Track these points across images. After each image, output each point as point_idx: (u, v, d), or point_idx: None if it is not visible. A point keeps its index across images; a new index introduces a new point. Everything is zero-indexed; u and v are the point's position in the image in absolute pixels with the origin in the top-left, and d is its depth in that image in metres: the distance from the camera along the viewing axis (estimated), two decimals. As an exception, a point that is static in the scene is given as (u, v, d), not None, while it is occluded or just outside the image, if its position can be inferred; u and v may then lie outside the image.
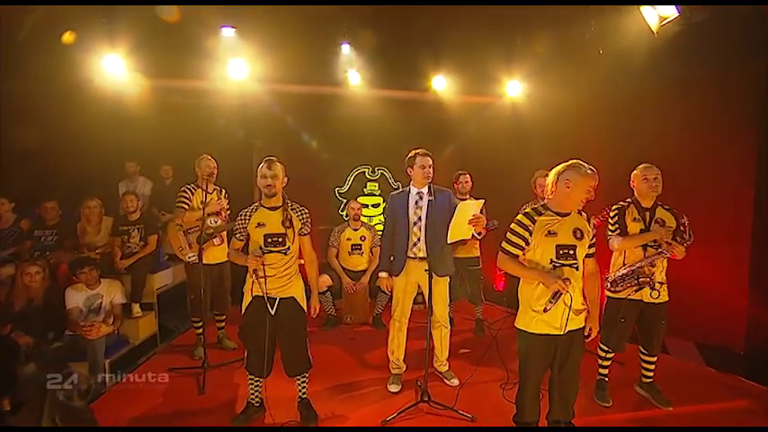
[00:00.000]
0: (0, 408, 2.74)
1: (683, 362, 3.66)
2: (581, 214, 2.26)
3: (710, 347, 3.83)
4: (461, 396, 3.00)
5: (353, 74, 5.01)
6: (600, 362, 3.03)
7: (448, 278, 3.14)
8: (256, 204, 2.61)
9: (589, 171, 2.16)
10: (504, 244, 2.25)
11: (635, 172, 2.89)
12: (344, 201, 5.77)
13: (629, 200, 2.91)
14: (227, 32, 4.45)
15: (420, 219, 3.00)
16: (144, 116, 4.81)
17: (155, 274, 4.16)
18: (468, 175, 4.21)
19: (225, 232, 3.66)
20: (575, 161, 2.20)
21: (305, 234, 2.66)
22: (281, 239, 2.53)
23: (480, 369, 3.39)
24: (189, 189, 3.61)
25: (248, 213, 2.57)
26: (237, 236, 2.59)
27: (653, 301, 2.83)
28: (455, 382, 3.24)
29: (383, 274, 3.17)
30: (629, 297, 2.81)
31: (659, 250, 2.77)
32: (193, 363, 3.53)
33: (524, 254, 2.23)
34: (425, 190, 2.97)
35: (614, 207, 2.90)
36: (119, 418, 2.83)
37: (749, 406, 2.97)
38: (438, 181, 3.06)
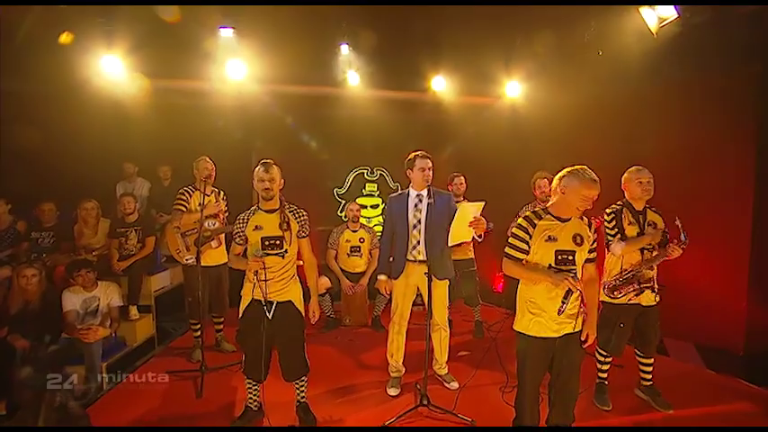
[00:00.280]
0: (-4, 412, 2.73)
1: (683, 364, 3.65)
2: (582, 219, 2.24)
3: (710, 349, 3.82)
4: (461, 399, 2.98)
5: (352, 74, 5.00)
6: (599, 366, 3.02)
7: (447, 281, 3.12)
8: (254, 207, 2.59)
9: (589, 179, 2.08)
10: (507, 249, 2.23)
11: (626, 175, 2.87)
12: (343, 202, 5.77)
13: (620, 203, 2.89)
14: (226, 33, 4.43)
15: (420, 221, 2.98)
16: (142, 117, 4.79)
17: (152, 276, 4.14)
18: (462, 177, 4.20)
19: (223, 235, 3.64)
20: (580, 167, 2.14)
21: (303, 237, 2.64)
22: (278, 242, 2.51)
23: (479, 372, 3.38)
24: (187, 191, 3.59)
25: (246, 217, 2.55)
26: (237, 240, 2.57)
27: (651, 303, 2.82)
28: (454, 385, 3.23)
29: (382, 277, 3.15)
30: (630, 302, 2.80)
31: (655, 253, 2.76)
32: (191, 366, 3.51)
33: (527, 257, 2.21)
34: (425, 192, 2.95)
35: (609, 211, 2.86)
36: (115, 422, 2.81)
37: (750, 409, 2.96)
38: (436, 182, 3.04)
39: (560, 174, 2.19)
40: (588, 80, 4.49)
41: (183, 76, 4.71)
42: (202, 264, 3.30)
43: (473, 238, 2.82)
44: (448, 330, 3.22)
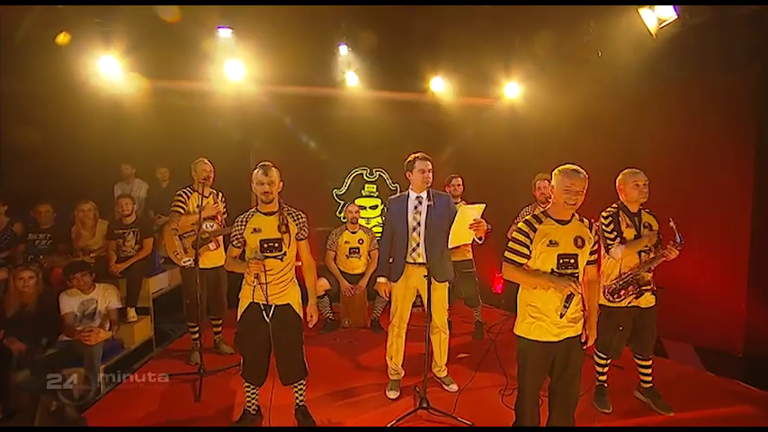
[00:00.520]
0: (-7, 415, 2.70)
1: (683, 366, 3.64)
2: (582, 221, 2.23)
3: (709, 351, 3.82)
4: (460, 402, 2.97)
5: (351, 75, 4.98)
6: (598, 368, 3.01)
7: (447, 284, 3.10)
8: (252, 210, 2.57)
9: (570, 170, 2.11)
10: (507, 254, 2.22)
11: (621, 177, 2.85)
12: (342, 202, 5.75)
13: (615, 205, 2.88)
14: (224, 33, 4.41)
15: (419, 224, 2.96)
16: (140, 118, 4.77)
17: (150, 278, 4.12)
18: (459, 179, 4.19)
19: (221, 236, 3.62)
20: (565, 165, 2.17)
21: (302, 239, 2.62)
22: (277, 245, 2.49)
23: (479, 374, 3.37)
24: (185, 193, 3.57)
25: (244, 219, 2.53)
26: (234, 243, 2.55)
27: (650, 305, 2.82)
28: (454, 387, 3.22)
29: (382, 279, 3.14)
30: (629, 305, 2.79)
31: (653, 255, 2.76)
32: (189, 368, 3.49)
33: (527, 262, 2.20)
34: (425, 194, 2.94)
35: (605, 215, 2.84)
36: (112, 425, 2.79)
37: (750, 411, 2.95)
38: (435, 183, 3.03)
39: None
40: (587, 81, 4.49)
41: (182, 77, 4.68)
42: (200, 266, 3.29)
43: (473, 240, 2.80)
44: (447, 333, 3.21)
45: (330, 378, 3.38)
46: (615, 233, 2.80)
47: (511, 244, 2.21)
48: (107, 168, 5.04)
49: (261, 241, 2.48)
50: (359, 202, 5.62)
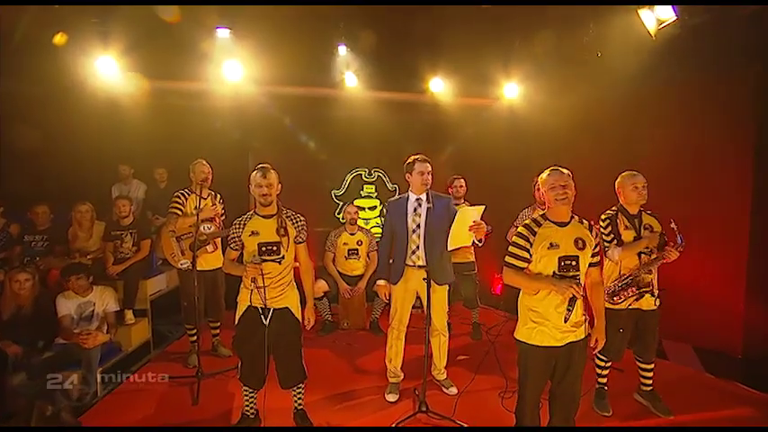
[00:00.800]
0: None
1: (682, 368, 3.64)
2: (582, 223, 2.22)
3: (708, 352, 3.83)
4: (459, 405, 2.96)
5: (350, 76, 4.97)
6: (598, 371, 3.00)
7: (447, 286, 3.09)
8: (250, 213, 2.55)
9: (553, 168, 2.17)
10: (507, 258, 2.20)
11: (620, 180, 2.85)
12: (341, 203, 5.74)
13: (614, 208, 2.88)
14: (223, 33, 4.39)
15: (419, 226, 2.94)
16: (138, 118, 4.75)
17: (148, 280, 4.09)
18: (462, 180, 4.18)
19: (219, 239, 3.60)
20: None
21: (300, 242, 2.60)
22: (275, 248, 2.47)
23: (478, 377, 3.35)
24: (182, 194, 3.55)
25: (242, 222, 2.51)
26: (232, 246, 2.53)
27: (651, 308, 2.80)
28: (453, 390, 3.20)
29: (381, 282, 3.12)
30: (630, 307, 2.78)
31: (653, 256, 2.75)
32: (187, 371, 3.48)
33: (528, 266, 2.19)
34: (424, 197, 2.92)
35: (604, 217, 2.85)
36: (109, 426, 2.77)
37: (749, 414, 2.95)
38: (434, 184, 3.01)
39: None
40: (587, 82, 4.48)
41: (180, 78, 4.66)
42: (198, 268, 3.26)
43: (473, 242, 2.78)
44: (447, 335, 3.19)
45: (329, 381, 3.36)
46: (612, 235, 2.80)
47: (511, 248, 2.20)
48: (104, 169, 5.00)
49: (259, 244, 2.46)
50: (357, 202, 5.61)
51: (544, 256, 2.12)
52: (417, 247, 2.96)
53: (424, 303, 2.87)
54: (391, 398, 3.12)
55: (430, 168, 2.95)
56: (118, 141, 4.91)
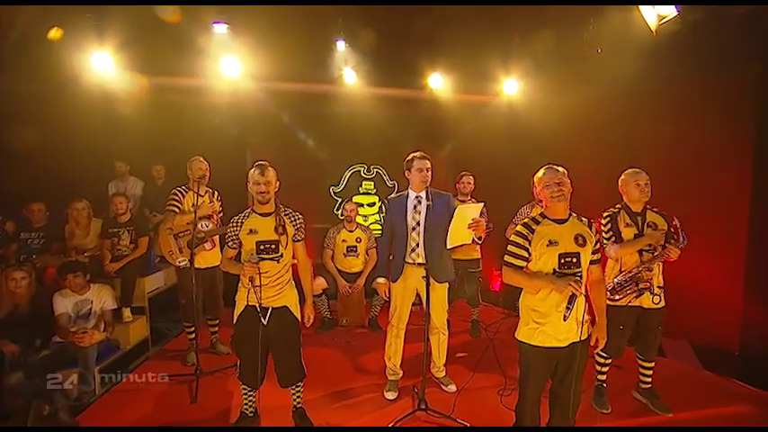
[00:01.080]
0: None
1: (680, 365, 3.64)
2: (581, 220, 2.20)
3: (706, 348, 3.84)
4: (459, 402, 2.96)
5: (349, 71, 4.93)
6: (598, 368, 3.00)
7: (447, 284, 3.07)
8: (248, 210, 2.53)
9: (544, 168, 2.18)
10: (506, 257, 2.19)
11: (623, 177, 2.84)
12: (339, 200, 5.72)
13: (618, 206, 2.87)
14: (220, 29, 4.34)
15: (419, 224, 2.93)
16: (134, 114, 4.70)
17: (146, 278, 4.07)
18: (471, 177, 4.17)
19: (217, 236, 3.58)
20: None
21: (299, 240, 2.58)
22: (273, 246, 2.45)
23: (477, 374, 3.35)
24: (180, 192, 3.52)
25: (240, 220, 2.49)
26: (230, 244, 2.51)
27: (652, 306, 2.79)
28: (452, 388, 3.20)
29: (381, 280, 3.11)
30: (630, 304, 2.78)
31: (655, 254, 2.73)
32: (186, 369, 3.46)
33: (527, 265, 2.18)
34: (424, 194, 2.90)
35: (605, 214, 2.85)
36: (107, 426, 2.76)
37: (748, 411, 2.95)
38: (434, 180, 2.99)
39: None
40: (587, 78, 4.46)
41: (177, 73, 4.62)
42: (196, 266, 3.24)
43: (473, 240, 2.77)
44: (446, 333, 3.18)
45: (328, 379, 3.35)
46: (611, 233, 2.80)
47: (510, 247, 2.18)
48: (101, 166, 4.96)
49: (257, 243, 2.44)
50: (356, 199, 5.58)
51: (544, 253, 2.11)
52: (417, 245, 2.94)
53: (424, 301, 2.86)
54: (390, 395, 3.12)
55: (429, 165, 2.93)
56: (114, 138, 4.87)
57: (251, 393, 2.67)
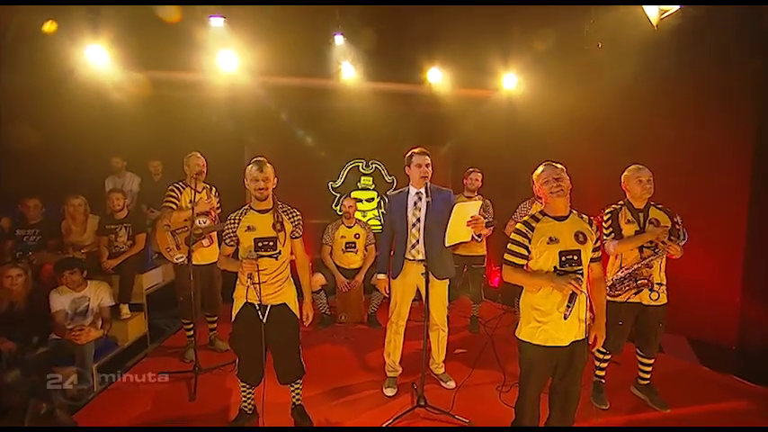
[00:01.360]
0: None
1: (678, 360, 3.65)
2: (582, 217, 2.19)
3: (703, 343, 3.85)
4: (458, 399, 2.97)
5: (347, 66, 4.89)
6: (597, 364, 3.00)
7: (447, 281, 3.06)
8: (246, 207, 2.50)
9: (543, 165, 2.17)
10: (506, 255, 2.18)
11: (626, 174, 2.83)
12: (338, 195, 5.69)
13: (621, 202, 2.86)
14: (217, 22, 4.29)
15: (419, 220, 2.91)
16: (131, 109, 4.66)
17: (144, 274, 4.04)
18: (479, 173, 4.14)
19: (214, 232, 3.56)
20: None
21: (297, 237, 2.56)
22: (271, 243, 2.43)
23: (476, 370, 3.36)
24: (177, 188, 3.49)
25: (237, 217, 2.46)
26: (227, 241, 2.48)
27: (652, 303, 2.79)
28: (451, 384, 3.20)
29: (381, 276, 3.10)
30: (629, 300, 2.77)
31: (655, 251, 2.73)
32: (184, 366, 3.45)
33: (528, 263, 2.16)
34: (424, 190, 2.88)
35: (607, 210, 2.84)
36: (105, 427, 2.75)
37: (745, 407, 2.96)
38: (434, 177, 2.97)
39: None
40: (587, 73, 4.42)
41: (173, 68, 4.58)
42: (194, 262, 3.22)
43: (472, 237, 2.75)
44: (446, 330, 3.17)
45: (327, 376, 3.35)
46: (611, 229, 2.79)
47: (509, 246, 2.17)
48: (97, 162, 4.91)
49: (255, 240, 2.42)
50: (355, 194, 5.56)
51: (544, 251, 2.09)
52: (417, 242, 2.92)
53: (424, 298, 2.85)
54: (389, 392, 3.12)
55: (428, 161, 2.91)
56: (111, 133, 4.83)
57: (250, 391, 2.67)
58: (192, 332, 3.55)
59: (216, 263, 3.51)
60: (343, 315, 4.53)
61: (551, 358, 2.14)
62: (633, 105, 4.19)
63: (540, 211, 2.20)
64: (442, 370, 3.27)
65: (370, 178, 5.85)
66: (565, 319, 2.06)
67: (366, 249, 4.60)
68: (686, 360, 3.68)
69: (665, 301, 2.82)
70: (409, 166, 2.95)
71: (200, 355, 3.33)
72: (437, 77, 5.11)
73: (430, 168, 2.90)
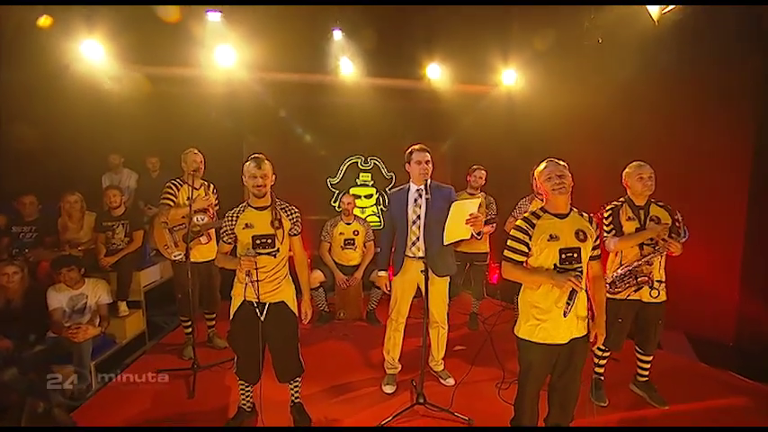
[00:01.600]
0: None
1: (676, 357, 3.66)
2: (582, 215, 2.18)
3: (701, 339, 3.86)
4: (457, 396, 2.96)
5: (345, 61, 4.86)
6: (596, 361, 3.00)
7: (448, 278, 3.05)
8: (243, 204, 2.48)
9: (545, 161, 2.17)
10: (506, 252, 2.17)
11: (627, 170, 2.81)
12: (336, 191, 5.67)
13: (621, 199, 2.85)
14: (214, 17, 4.25)
15: (419, 217, 2.89)
16: (128, 105, 4.63)
17: (141, 271, 4.03)
18: (483, 171, 4.11)
19: (213, 230, 3.53)
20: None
21: (295, 234, 2.54)
22: (269, 241, 2.41)
23: (475, 367, 3.35)
24: (174, 185, 3.46)
25: (235, 214, 2.44)
26: (225, 239, 2.46)
27: (652, 300, 2.79)
28: (450, 381, 3.20)
29: (382, 273, 3.10)
30: (629, 297, 2.77)
31: (656, 248, 2.72)
32: (183, 363, 3.44)
33: (527, 260, 2.15)
34: (424, 187, 2.86)
35: (608, 207, 2.83)
36: (103, 425, 2.73)
37: (743, 403, 2.97)
38: (435, 173, 2.94)
39: None
40: (586, 68, 4.41)
41: (170, 63, 4.55)
42: (192, 259, 3.20)
43: (471, 235, 2.74)
44: (446, 327, 3.16)
45: (326, 373, 3.34)
46: (612, 226, 2.78)
47: (509, 242, 2.16)
48: (94, 158, 4.87)
49: (253, 237, 2.40)
50: (353, 191, 5.55)
51: (544, 248, 2.09)
52: (417, 239, 2.91)
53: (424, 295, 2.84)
54: (388, 389, 3.12)
55: (428, 158, 2.89)
56: (107, 129, 4.79)
57: (248, 389, 2.66)
58: (190, 329, 3.54)
59: (214, 260, 3.51)
60: (342, 312, 4.53)
61: (550, 356, 2.14)
62: (633, 102, 4.18)
63: (540, 208, 2.18)
64: (442, 367, 3.27)
65: (369, 174, 5.84)
66: (564, 316, 2.05)
67: (365, 246, 4.59)
68: (685, 357, 3.69)
69: (665, 298, 2.82)
70: (409, 163, 2.93)
71: (198, 353, 3.32)
72: (436, 73, 5.09)
73: (430, 165, 2.88)
